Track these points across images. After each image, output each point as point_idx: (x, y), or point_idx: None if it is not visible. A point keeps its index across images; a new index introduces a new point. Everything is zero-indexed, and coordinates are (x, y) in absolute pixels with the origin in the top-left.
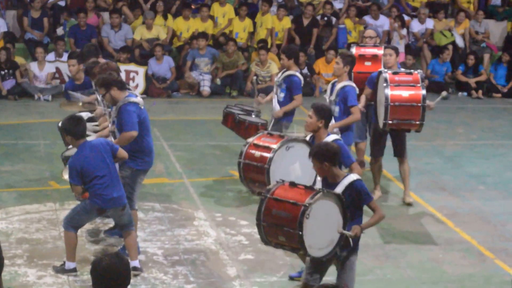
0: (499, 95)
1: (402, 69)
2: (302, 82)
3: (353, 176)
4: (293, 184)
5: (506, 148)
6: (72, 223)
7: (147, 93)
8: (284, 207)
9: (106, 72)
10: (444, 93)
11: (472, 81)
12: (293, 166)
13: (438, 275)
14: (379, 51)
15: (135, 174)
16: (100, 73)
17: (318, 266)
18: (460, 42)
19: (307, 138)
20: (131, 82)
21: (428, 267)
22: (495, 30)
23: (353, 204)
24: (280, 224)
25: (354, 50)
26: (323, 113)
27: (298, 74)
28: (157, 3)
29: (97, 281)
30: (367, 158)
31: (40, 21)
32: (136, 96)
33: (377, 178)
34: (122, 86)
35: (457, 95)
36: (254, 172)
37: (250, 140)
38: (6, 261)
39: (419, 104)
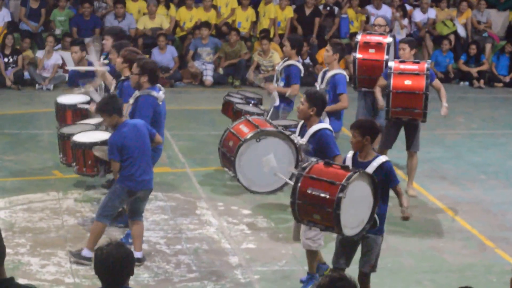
0: (501, 84)
1: (410, 60)
2: (302, 72)
3: (383, 158)
4: (328, 164)
5: (507, 137)
6: (106, 212)
7: None
8: (320, 185)
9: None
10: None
11: (474, 70)
12: (266, 157)
13: (439, 264)
14: (384, 39)
15: None
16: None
17: (345, 250)
18: (462, 32)
19: (298, 126)
20: None
21: (428, 256)
22: (497, 19)
23: (381, 185)
24: (316, 203)
25: (360, 37)
26: (316, 100)
27: (298, 64)
28: None
29: (99, 269)
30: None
31: (38, 12)
32: (160, 90)
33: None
34: (154, 80)
35: (458, 84)
36: (227, 162)
37: (230, 126)
38: (9, 250)
39: (421, 92)
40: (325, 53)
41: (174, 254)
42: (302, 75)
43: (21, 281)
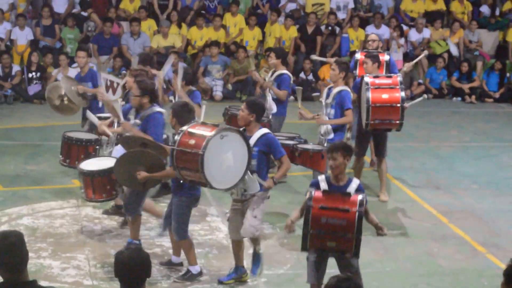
0: (491, 100)
1: (383, 74)
2: (292, 79)
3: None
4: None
5: (497, 149)
6: (183, 229)
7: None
8: None
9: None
10: (424, 96)
11: (465, 87)
12: (226, 155)
13: (434, 268)
14: (382, 57)
15: None
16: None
17: (317, 264)
18: (454, 51)
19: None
20: None
21: (424, 261)
22: (488, 39)
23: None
24: None
25: (359, 55)
26: (255, 107)
27: (287, 72)
28: (171, 13)
29: (119, 272)
30: (367, 159)
31: (52, 28)
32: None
33: (358, 177)
34: (154, 99)
35: (452, 100)
36: (188, 160)
37: (184, 128)
38: (32, 254)
39: (398, 105)
40: (331, 72)
41: (186, 258)
42: (291, 82)
43: (43, 283)
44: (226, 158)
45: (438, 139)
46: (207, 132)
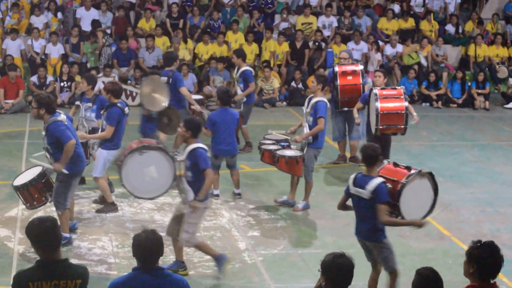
0: (455, 105)
1: (389, 86)
2: (253, 72)
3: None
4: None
5: (460, 148)
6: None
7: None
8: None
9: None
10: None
11: (433, 94)
12: (148, 169)
13: (406, 249)
14: (357, 68)
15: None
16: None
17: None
18: (424, 63)
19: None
20: None
21: (397, 243)
22: (452, 53)
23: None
24: None
25: (337, 68)
26: (190, 125)
27: (249, 67)
28: (177, 31)
29: (136, 251)
30: (347, 154)
31: (78, 46)
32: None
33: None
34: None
35: (421, 105)
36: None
37: (130, 143)
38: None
39: (403, 112)
40: (311, 84)
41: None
42: (253, 74)
43: (73, 261)
44: (148, 171)
45: (410, 139)
46: (131, 148)
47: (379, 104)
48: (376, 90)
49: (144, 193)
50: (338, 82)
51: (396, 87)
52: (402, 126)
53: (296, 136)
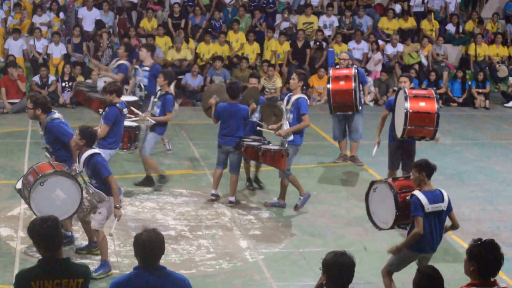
0: (455, 104)
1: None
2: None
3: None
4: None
5: (461, 147)
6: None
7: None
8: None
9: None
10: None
11: None
12: (55, 193)
13: None
14: (350, 73)
15: None
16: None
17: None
18: (424, 62)
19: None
20: None
21: (398, 241)
22: (452, 52)
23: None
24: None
25: (331, 72)
26: (85, 135)
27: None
28: (183, 31)
29: (138, 250)
30: (347, 153)
31: (80, 46)
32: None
33: None
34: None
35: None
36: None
37: (33, 165)
38: None
39: (434, 112)
40: (291, 81)
41: (196, 239)
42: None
43: (75, 260)
44: (56, 196)
45: None
46: (31, 181)
47: (408, 104)
48: (405, 89)
49: (62, 215)
50: (330, 86)
51: (427, 87)
52: (432, 129)
53: (280, 130)
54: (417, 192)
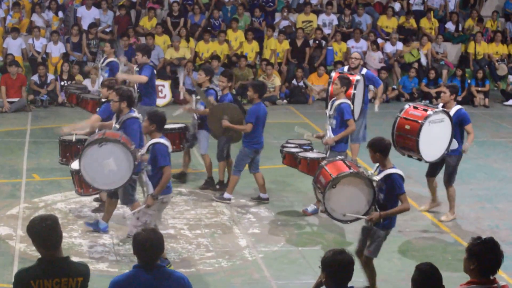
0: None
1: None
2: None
3: (393, 170)
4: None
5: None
6: (239, 167)
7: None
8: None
9: None
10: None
11: (433, 91)
12: (107, 161)
13: (406, 245)
14: (352, 77)
15: None
16: None
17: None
18: (423, 60)
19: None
20: (159, 93)
21: (398, 239)
22: (452, 50)
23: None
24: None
25: (334, 74)
26: (155, 119)
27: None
28: (182, 29)
29: (137, 249)
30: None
31: (79, 45)
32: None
33: (433, 194)
34: (131, 104)
35: (421, 102)
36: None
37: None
38: (64, 234)
39: (414, 137)
40: (334, 86)
41: (195, 238)
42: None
43: (74, 259)
44: (107, 164)
45: None
46: (89, 140)
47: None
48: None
49: (103, 185)
50: (330, 89)
51: (431, 106)
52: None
53: (327, 138)
54: (394, 170)
